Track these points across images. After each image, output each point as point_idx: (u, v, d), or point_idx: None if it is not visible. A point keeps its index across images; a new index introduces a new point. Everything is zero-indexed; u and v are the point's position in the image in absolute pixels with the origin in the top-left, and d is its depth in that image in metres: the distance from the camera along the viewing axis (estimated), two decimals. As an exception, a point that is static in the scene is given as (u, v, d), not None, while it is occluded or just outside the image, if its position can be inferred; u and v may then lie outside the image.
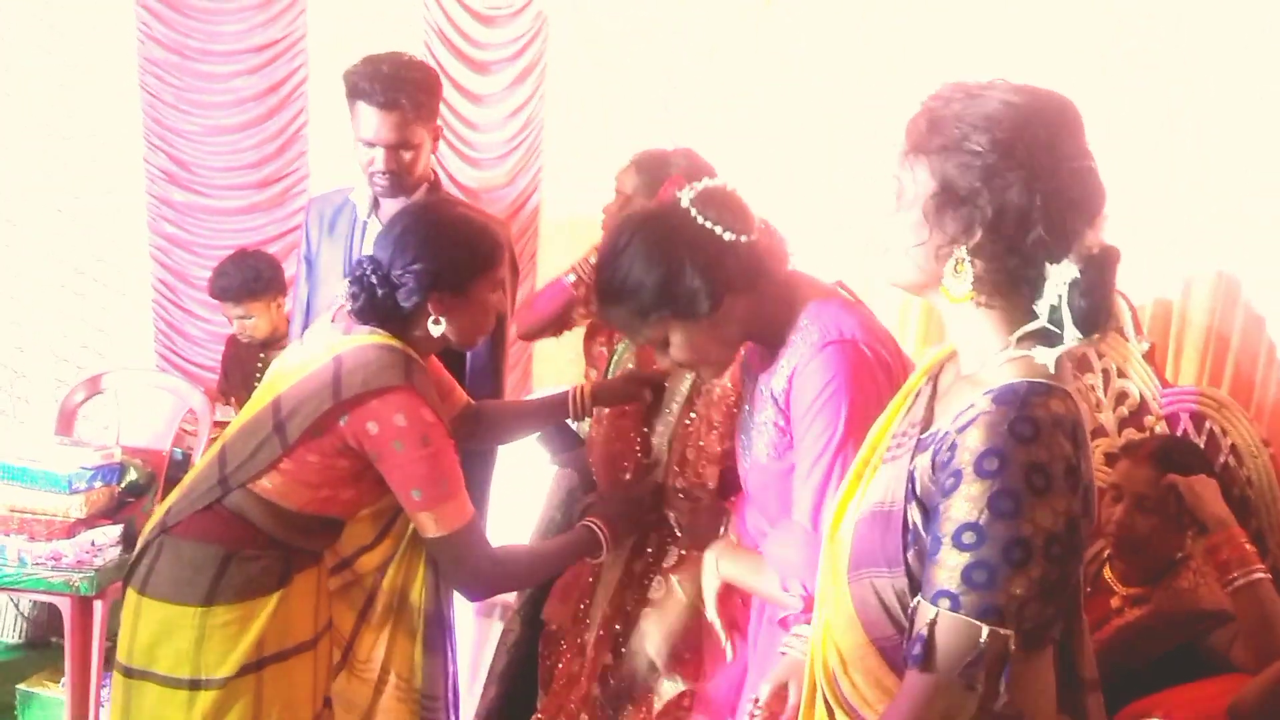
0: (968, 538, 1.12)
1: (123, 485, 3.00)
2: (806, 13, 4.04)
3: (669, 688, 1.86)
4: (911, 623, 1.18)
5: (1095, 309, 1.17)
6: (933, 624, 1.14)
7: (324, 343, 1.87)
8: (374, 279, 1.82)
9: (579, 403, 2.10)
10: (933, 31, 3.30)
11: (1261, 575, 2.02)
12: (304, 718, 1.89)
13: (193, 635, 1.79)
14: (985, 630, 1.11)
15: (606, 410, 2.13)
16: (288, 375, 1.85)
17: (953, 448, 1.15)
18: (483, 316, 1.92)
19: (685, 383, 2.00)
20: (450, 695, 2.04)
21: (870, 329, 1.58)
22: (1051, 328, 1.19)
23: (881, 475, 1.29)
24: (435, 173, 2.58)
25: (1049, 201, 1.16)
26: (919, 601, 1.17)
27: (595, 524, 1.94)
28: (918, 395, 1.35)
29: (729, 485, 1.94)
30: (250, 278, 3.59)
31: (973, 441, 1.13)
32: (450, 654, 2.03)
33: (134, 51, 4.73)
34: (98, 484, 2.86)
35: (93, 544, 2.73)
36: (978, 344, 1.24)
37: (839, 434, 1.51)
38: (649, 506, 2.02)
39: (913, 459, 1.24)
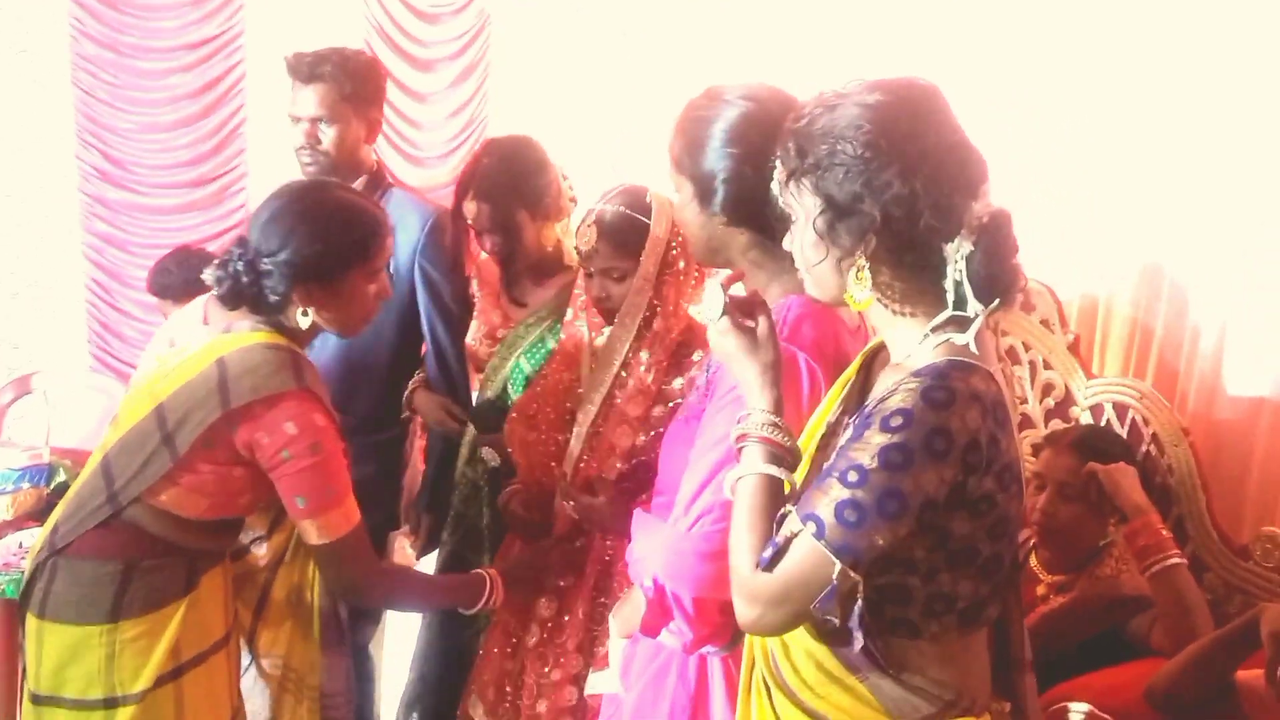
0: (852, 476, 1.15)
1: (51, 486, 2.94)
2: (748, 12, 4.06)
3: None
4: (777, 529, 1.21)
5: (996, 275, 1.20)
6: (791, 539, 1.18)
7: (203, 344, 1.78)
8: (240, 265, 1.75)
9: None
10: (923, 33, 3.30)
11: (1177, 561, 2.07)
12: (224, 718, 1.86)
13: (102, 654, 1.72)
14: (838, 567, 1.14)
15: (526, 401, 2.12)
16: (167, 381, 1.76)
17: (870, 413, 1.19)
18: (359, 307, 1.84)
19: (605, 383, 2.00)
20: (349, 691, 2.01)
21: (820, 345, 1.51)
22: (963, 314, 1.21)
23: (816, 462, 1.32)
24: (378, 164, 2.56)
25: (929, 186, 1.19)
26: (789, 511, 1.20)
27: (491, 579, 1.94)
28: (851, 386, 1.37)
29: (635, 485, 1.92)
30: (193, 278, 3.53)
31: (890, 404, 1.17)
32: (347, 650, 2.00)
33: (66, 48, 4.65)
34: (25, 485, 2.80)
35: (20, 546, 2.67)
36: (903, 342, 1.27)
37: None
38: (553, 573, 2.00)
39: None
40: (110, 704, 1.73)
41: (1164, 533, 2.10)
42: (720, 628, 1.46)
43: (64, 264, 4.75)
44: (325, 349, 2.43)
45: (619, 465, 1.92)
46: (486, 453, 2.24)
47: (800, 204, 1.27)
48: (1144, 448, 2.44)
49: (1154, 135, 2.60)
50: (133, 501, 1.73)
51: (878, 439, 1.15)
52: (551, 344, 2.24)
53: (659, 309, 1.91)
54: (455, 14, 5.14)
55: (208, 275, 1.78)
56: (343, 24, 4.93)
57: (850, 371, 1.40)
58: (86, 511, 1.75)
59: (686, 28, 4.30)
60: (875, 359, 1.38)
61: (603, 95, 4.85)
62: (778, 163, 1.30)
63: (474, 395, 2.48)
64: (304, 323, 1.79)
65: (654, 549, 1.49)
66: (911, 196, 1.19)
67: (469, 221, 2.35)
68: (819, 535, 1.15)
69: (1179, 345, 2.59)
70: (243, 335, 1.77)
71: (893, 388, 1.20)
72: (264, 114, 4.77)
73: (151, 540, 1.75)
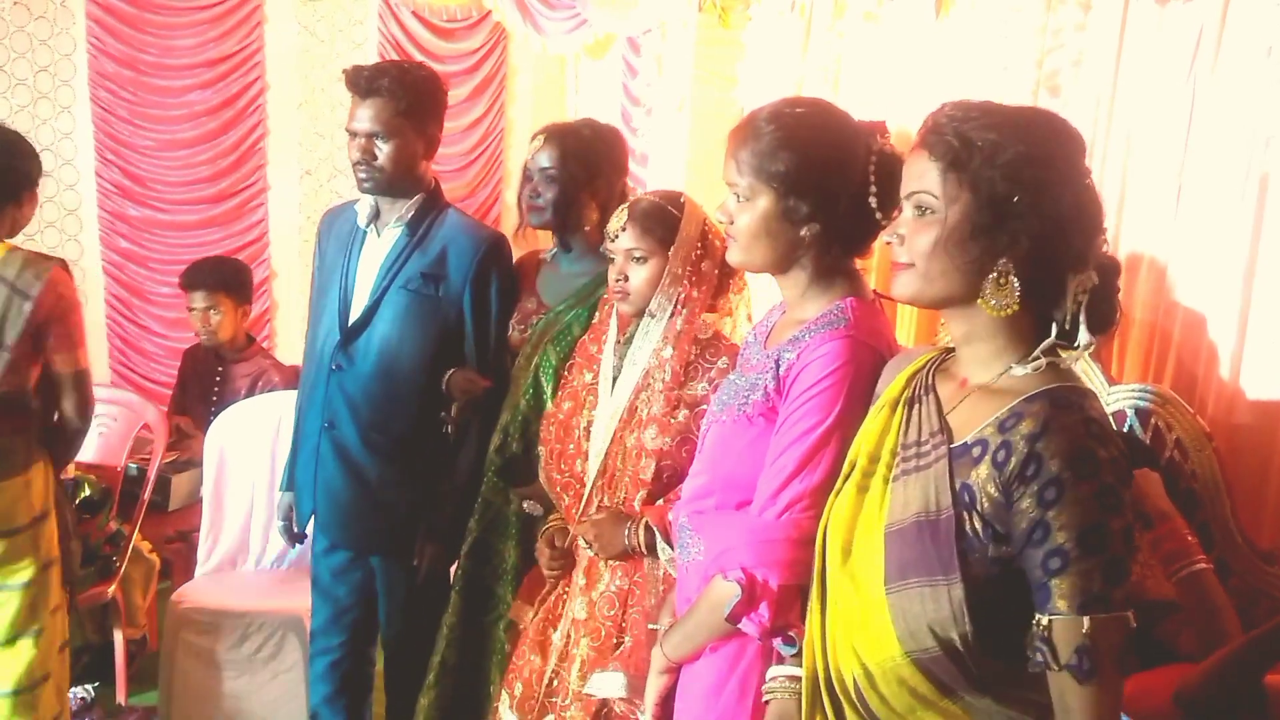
0: (1094, 540, 1.15)
1: (77, 501, 2.97)
2: (762, 20, 4.08)
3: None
4: (1048, 641, 1.17)
5: (1109, 311, 1.29)
6: (1092, 633, 1.15)
7: None
8: None
9: None
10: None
11: (1203, 566, 2.06)
12: None
13: (40, 485, 2.37)
14: (1129, 617, 1.16)
15: (554, 428, 2.14)
16: None
17: (1032, 458, 1.18)
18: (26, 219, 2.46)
19: (633, 379, 2.02)
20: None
21: (891, 342, 1.59)
22: (1061, 342, 1.25)
23: (913, 487, 1.29)
24: (435, 183, 2.54)
25: (1082, 212, 1.23)
26: (1056, 619, 1.17)
27: None
28: (915, 406, 1.35)
29: (656, 488, 1.95)
30: (229, 272, 3.58)
31: (1058, 448, 1.17)
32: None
33: (85, 65, 4.70)
34: (51, 500, 2.85)
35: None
36: (992, 353, 1.28)
37: (824, 427, 1.49)
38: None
39: (953, 469, 1.26)
40: (37, 521, 2.38)
41: (1189, 538, 2.09)
42: (797, 618, 1.49)
43: (84, 280, 4.78)
44: (364, 368, 2.43)
45: (651, 463, 1.94)
46: (529, 505, 2.24)
47: (945, 196, 1.25)
48: (1167, 453, 2.43)
49: (1169, 135, 2.60)
50: None
51: (1084, 489, 1.16)
52: (577, 331, 2.27)
53: (683, 310, 1.96)
54: (471, 28, 5.17)
55: None
56: (359, 39, 4.98)
57: (897, 392, 1.38)
58: None
59: (700, 38, 4.32)
60: (934, 374, 1.36)
61: (618, 105, 4.88)
62: (935, 150, 1.27)
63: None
64: None
65: (740, 540, 1.52)
66: (1071, 217, 1.22)
67: (531, 160, 2.45)
68: (1108, 609, 1.15)
69: (1197, 349, 2.59)
70: None
71: (1009, 416, 1.21)
72: (284, 130, 4.82)
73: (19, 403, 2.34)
